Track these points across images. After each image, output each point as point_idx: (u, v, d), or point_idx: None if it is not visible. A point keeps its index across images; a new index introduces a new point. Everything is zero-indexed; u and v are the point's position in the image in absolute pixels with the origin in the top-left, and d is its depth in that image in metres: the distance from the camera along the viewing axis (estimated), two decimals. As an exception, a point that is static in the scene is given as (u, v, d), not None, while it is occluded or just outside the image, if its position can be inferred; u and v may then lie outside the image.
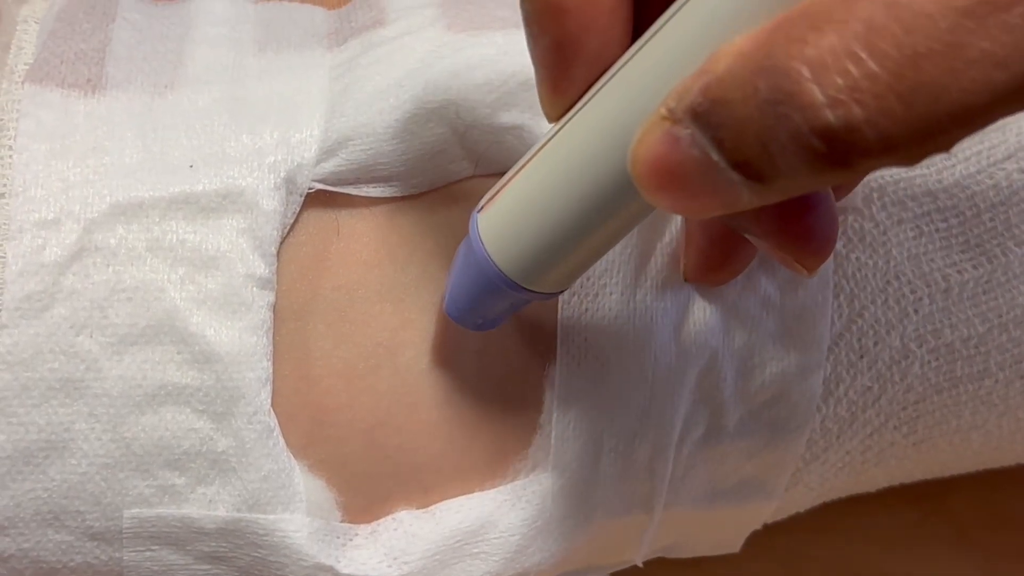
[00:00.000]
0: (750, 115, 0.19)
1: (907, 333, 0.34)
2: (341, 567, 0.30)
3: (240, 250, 0.30)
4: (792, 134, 0.19)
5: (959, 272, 0.34)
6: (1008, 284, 0.34)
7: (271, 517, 0.30)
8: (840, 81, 0.18)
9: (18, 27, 0.34)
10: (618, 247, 0.32)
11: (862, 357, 0.34)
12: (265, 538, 0.30)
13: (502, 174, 0.28)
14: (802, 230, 0.25)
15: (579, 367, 0.32)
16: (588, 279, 0.32)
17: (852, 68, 0.18)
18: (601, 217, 0.25)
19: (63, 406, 0.29)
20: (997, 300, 0.34)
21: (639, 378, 0.32)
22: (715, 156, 0.20)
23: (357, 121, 0.31)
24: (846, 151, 0.18)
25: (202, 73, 0.32)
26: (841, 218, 0.33)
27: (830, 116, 0.18)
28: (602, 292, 0.32)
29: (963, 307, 0.34)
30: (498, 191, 0.27)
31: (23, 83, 0.31)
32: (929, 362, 0.34)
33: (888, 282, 0.34)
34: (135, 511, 0.29)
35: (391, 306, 0.32)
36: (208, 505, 0.30)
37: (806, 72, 0.18)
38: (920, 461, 0.37)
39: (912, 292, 0.34)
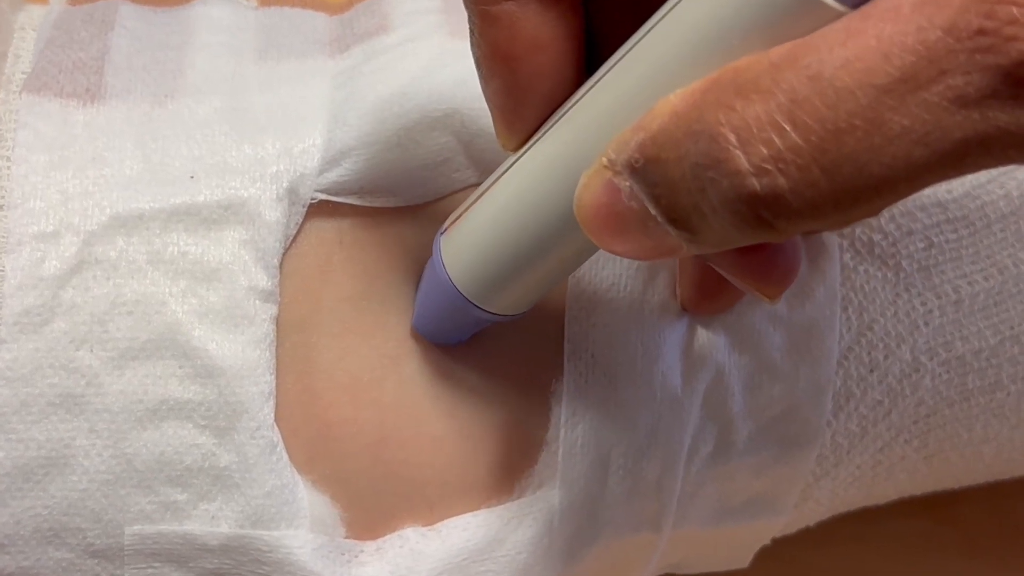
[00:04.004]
0: (683, 175, 0.20)
1: (918, 346, 0.34)
2: (346, 584, 0.30)
3: (242, 262, 0.30)
4: (721, 197, 0.19)
5: (970, 284, 0.34)
6: (1020, 295, 0.34)
7: (275, 533, 0.29)
8: (765, 151, 0.18)
9: (15, 35, 0.33)
10: (625, 262, 0.31)
11: (872, 371, 0.34)
12: (269, 555, 0.30)
13: None
14: (761, 263, 0.25)
15: (586, 383, 0.31)
16: (595, 294, 0.31)
17: (776, 139, 0.18)
18: (550, 248, 0.26)
19: (63, 422, 0.29)
20: (1009, 312, 0.34)
21: (647, 395, 0.31)
22: (652, 210, 0.21)
23: (360, 131, 0.31)
24: (772, 216, 0.19)
25: (202, 82, 0.32)
26: (848, 230, 0.33)
27: (756, 184, 0.19)
28: (609, 308, 0.31)
29: (974, 319, 0.34)
30: (460, 215, 0.28)
31: (21, 93, 0.31)
32: (940, 375, 0.34)
33: (898, 294, 0.34)
34: (136, 528, 0.29)
35: (394, 317, 0.31)
36: (211, 521, 0.29)
37: (733, 139, 0.19)
38: (931, 474, 0.37)
39: (923, 304, 0.34)
